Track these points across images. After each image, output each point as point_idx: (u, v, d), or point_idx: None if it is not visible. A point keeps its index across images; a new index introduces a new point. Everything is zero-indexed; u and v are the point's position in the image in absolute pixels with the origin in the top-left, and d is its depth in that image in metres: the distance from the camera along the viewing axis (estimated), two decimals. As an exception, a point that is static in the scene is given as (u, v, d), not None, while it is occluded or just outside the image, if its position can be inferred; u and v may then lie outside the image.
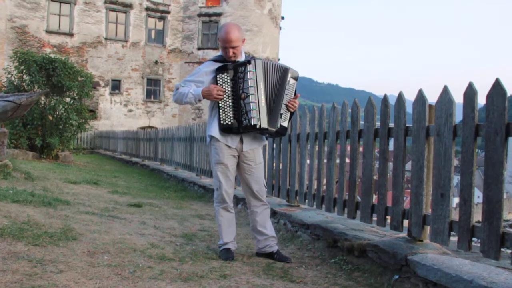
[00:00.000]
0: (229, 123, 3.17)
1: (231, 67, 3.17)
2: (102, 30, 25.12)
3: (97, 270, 2.70)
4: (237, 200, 5.40)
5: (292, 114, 3.37)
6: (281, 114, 3.24)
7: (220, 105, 3.18)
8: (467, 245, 2.50)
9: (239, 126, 3.15)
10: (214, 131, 3.25)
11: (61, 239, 3.29)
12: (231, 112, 3.16)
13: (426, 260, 2.55)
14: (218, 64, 3.25)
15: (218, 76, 3.20)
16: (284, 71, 3.24)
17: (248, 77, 3.10)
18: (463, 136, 2.55)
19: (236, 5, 26.44)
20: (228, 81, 3.17)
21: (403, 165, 3.09)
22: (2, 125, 8.78)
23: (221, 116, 3.19)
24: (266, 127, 3.14)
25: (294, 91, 3.31)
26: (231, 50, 3.18)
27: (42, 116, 11.94)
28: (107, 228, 3.94)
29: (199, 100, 3.23)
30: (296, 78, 3.31)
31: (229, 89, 3.17)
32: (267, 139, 3.48)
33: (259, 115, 3.10)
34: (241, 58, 3.28)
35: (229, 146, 3.25)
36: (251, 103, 3.09)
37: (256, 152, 3.35)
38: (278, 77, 3.21)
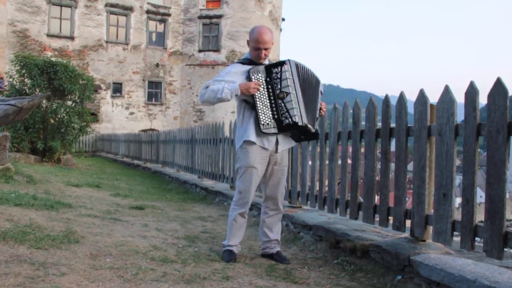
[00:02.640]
0: (269, 122, 3.15)
1: (263, 69, 3.19)
2: (103, 33, 25.17)
3: (99, 272, 2.70)
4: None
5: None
6: (317, 118, 3.27)
7: (258, 106, 3.14)
8: (470, 244, 2.49)
9: (278, 126, 3.14)
10: (251, 135, 3.18)
11: (63, 242, 3.29)
12: (269, 112, 3.16)
13: (429, 260, 2.54)
14: (246, 66, 3.23)
15: (252, 76, 3.17)
16: (318, 79, 3.28)
17: (286, 76, 3.13)
18: (465, 135, 2.55)
19: (236, 7, 26.47)
20: (263, 81, 3.17)
21: (405, 165, 3.08)
22: (4, 129, 8.79)
23: (260, 117, 3.14)
24: (307, 124, 3.16)
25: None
26: (263, 52, 3.20)
27: (43, 119, 11.95)
28: (109, 230, 3.94)
29: (236, 95, 3.15)
30: (322, 92, 3.34)
31: (265, 90, 3.17)
32: (297, 142, 3.51)
33: (300, 113, 3.12)
34: (266, 62, 3.31)
35: (265, 149, 3.22)
36: (292, 102, 3.11)
37: (284, 154, 3.35)
38: (312, 80, 3.25)
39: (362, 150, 3.57)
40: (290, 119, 3.11)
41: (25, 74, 11.93)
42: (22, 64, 11.95)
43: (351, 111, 3.66)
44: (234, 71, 3.24)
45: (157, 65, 26.81)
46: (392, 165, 3.22)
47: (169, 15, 26.92)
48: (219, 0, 26.87)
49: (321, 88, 3.31)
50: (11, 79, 12.25)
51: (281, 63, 3.17)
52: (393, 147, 3.21)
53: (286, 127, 3.15)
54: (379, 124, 3.34)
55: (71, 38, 24.28)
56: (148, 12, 26.33)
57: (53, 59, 12.89)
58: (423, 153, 2.87)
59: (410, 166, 3.52)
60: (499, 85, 2.34)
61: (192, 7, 27.02)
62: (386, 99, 3.26)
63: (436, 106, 2.79)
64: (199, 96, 3.37)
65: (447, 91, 2.70)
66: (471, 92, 2.50)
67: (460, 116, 2.64)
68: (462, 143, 2.59)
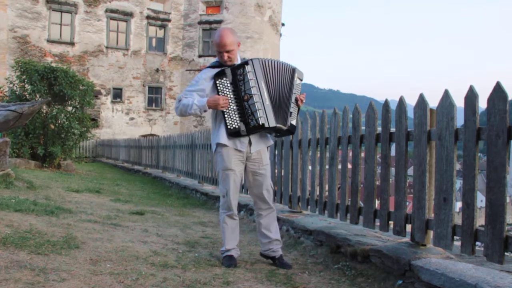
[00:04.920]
0: (236, 126, 3.15)
1: (229, 71, 3.17)
2: (103, 38, 25.23)
3: (99, 278, 2.69)
4: (240, 207, 5.39)
5: (298, 110, 3.35)
6: (291, 112, 3.21)
7: (224, 110, 3.16)
8: (471, 249, 2.49)
9: (247, 128, 3.14)
10: (222, 138, 3.21)
11: (63, 247, 3.29)
12: (236, 116, 3.15)
13: (430, 264, 2.54)
14: (216, 70, 3.23)
15: (217, 82, 3.18)
16: (290, 69, 3.23)
17: (249, 78, 3.10)
18: (465, 140, 2.55)
19: (236, 13, 26.55)
20: (228, 85, 3.16)
21: (405, 169, 3.08)
22: (4, 135, 8.80)
23: (227, 121, 3.17)
24: (275, 125, 3.12)
25: (299, 90, 3.30)
26: (226, 54, 3.19)
27: (44, 125, 11.97)
28: (109, 236, 3.93)
29: (205, 111, 3.20)
30: (301, 79, 3.30)
31: (231, 93, 3.16)
32: (276, 137, 3.48)
33: (265, 114, 3.09)
34: (237, 62, 3.28)
35: (238, 150, 3.23)
36: (255, 103, 3.08)
37: (262, 153, 3.34)
38: (282, 74, 3.19)
39: (362, 154, 3.57)
40: (255, 121, 3.09)
41: (26, 80, 11.96)
42: (22, 70, 11.98)
43: (351, 116, 3.67)
44: (203, 78, 3.27)
45: (157, 70, 26.86)
46: (392, 170, 3.22)
47: (169, 20, 27.00)
48: (219, 5, 26.97)
49: (297, 77, 3.24)
50: (11, 85, 12.28)
51: (244, 64, 3.14)
52: (393, 152, 3.21)
53: (253, 129, 3.13)
54: (379, 129, 3.34)
55: (72, 43, 24.35)
56: (148, 17, 26.40)
57: (54, 64, 12.95)
58: (423, 157, 2.87)
59: (410, 171, 3.52)
60: (498, 89, 2.35)
61: (192, 13, 27.11)
62: (386, 104, 3.26)
63: (436, 110, 2.79)
64: (174, 109, 3.39)
65: (446, 95, 2.70)
66: (471, 96, 2.50)
67: (460, 121, 2.64)
68: (462, 147, 2.59)
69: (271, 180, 3.43)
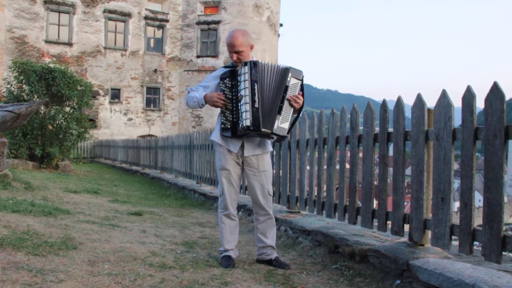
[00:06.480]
0: (228, 126, 3.19)
1: (232, 73, 3.21)
2: (101, 39, 25.19)
3: (97, 279, 2.69)
4: (238, 207, 5.38)
5: (298, 115, 3.23)
6: (280, 115, 3.09)
7: (222, 110, 3.22)
8: (469, 248, 2.49)
9: (235, 129, 3.15)
10: (216, 136, 3.32)
11: (61, 248, 3.28)
12: (230, 116, 3.18)
13: (428, 264, 2.54)
14: (226, 70, 3.29)
15: (220, 82, 3.25)
16: (284, 71, 3.13)
17: (243, 79, 3.11)
18: (463, 139, 2.55)
19: (234, 13, 26.54)
20: (229, 86, 3.20)
21: (403, 169, 3.08)
22: (2, 135, 8.78)
23: (221, 120, 3.23)
24: (261, 129, 3.06)
25: (297, 90, 3.14)
26: (235, 55, 3.22)
27: (42, 125, 11.95)
28: (107, 237, 3.93)
29: (202, 105, 3.27)
30: (299, 78, 3.15)
31: (230, 94, 3.19)
32: (273, 146, 3.45)
33: (251, 116, 3.04)
34: None
35: (230, 151, 3.27)
36: (245, 105, 3.07)
37: (260, 159, 3.32)
38: (277, 77, 3.12)
39: (360, 154, 3.57)
40: (242, 123, 3.08)
41: (23, 81, 11.95)
42: (20, 70, 11.96)
43: (349, 116, 3.67)
44: (212, 76, 3.39)
45: (155, 71, 26.84)
46: (390, 170, 3.23)
47: (167, 21, 26.98)
48: (217, 6, 26.96)
49: (291, 77, 3.11)
50: (9, 86, 12.26)
51: (242, 65, 3.14)
52: (391, 152, 3.21)
53: (241, 130, 3.12)
54: (377, 129, 3.34)
55: (69, 44, 24.30)
56: (146, 18, 26.37)
57: (51, 65, 12.91)
58: (421, 157, 2.87)
59: (408, 171, 3.52)
60: (495, 90, 2.35)
61: (190, 13, 27.09)
62: (384, 104, 3.26)
63: (433, 110, 2.79)
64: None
65: (444, 95, 2.70)
66: (468, 96, 2.51)
67: (457, 120, 2.64)
68: (460, 147, 2.59)
69: (271, 186, 3.39)
